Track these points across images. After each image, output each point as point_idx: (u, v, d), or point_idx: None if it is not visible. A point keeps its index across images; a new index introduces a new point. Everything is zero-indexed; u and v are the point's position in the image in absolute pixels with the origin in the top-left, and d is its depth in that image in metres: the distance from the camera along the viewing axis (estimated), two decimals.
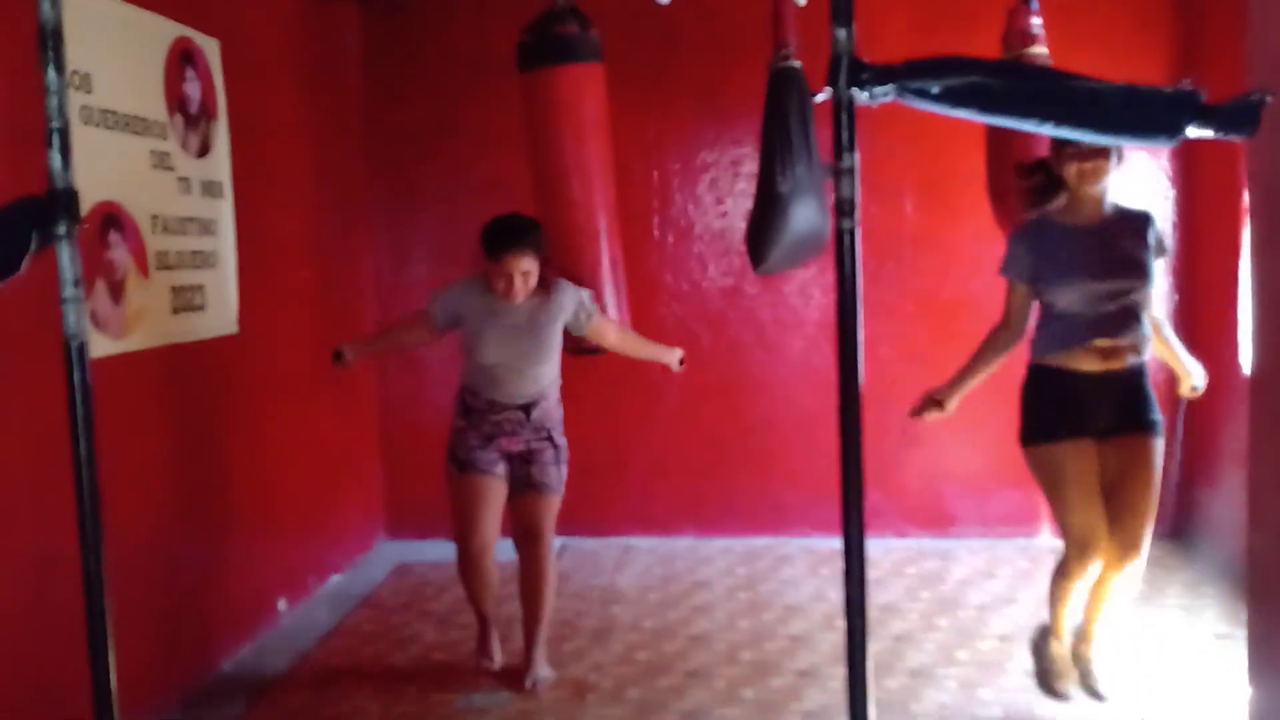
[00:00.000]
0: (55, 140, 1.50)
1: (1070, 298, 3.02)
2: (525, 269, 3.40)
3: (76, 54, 2.94)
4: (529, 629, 3.59)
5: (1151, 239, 3.07)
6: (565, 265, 3.76)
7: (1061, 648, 3.28)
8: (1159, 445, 3.07)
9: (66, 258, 1.53)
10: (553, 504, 3.57)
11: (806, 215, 4.13)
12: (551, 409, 3.58)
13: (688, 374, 5.31)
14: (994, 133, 4.12)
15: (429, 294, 3.67)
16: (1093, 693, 3.20)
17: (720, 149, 5.16)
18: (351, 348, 3.53)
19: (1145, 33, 4.92)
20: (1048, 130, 1.53)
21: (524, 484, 3.54)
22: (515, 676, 3.59)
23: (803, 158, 4.11)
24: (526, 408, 3.51)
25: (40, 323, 2.76)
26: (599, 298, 3.80)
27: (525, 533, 3.54)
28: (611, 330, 3.68)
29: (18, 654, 2.73)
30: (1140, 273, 3.03)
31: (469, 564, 3.54)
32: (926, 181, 5.02)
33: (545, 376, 3.54)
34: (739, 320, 5.20)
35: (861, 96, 1.51)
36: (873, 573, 4.58)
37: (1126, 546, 3.05)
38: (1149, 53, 4.92)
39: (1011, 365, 5.02)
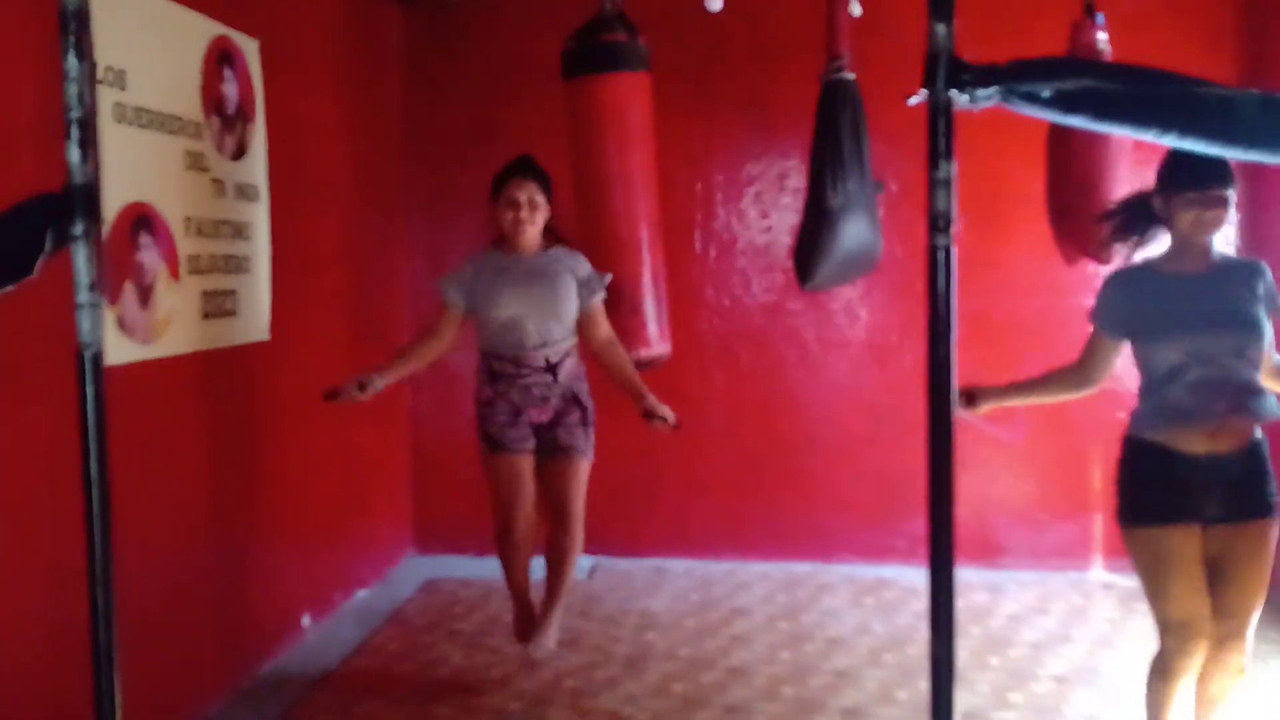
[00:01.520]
0: (74, 132, 1.38)
1: (1171, 356, 2.64)
2: (531, 195, 3.40)
3: (112, 49, 2.85)
4: (546, 599, 3.54)
5: (1262, 290, 2.68)
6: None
7: None
8: (1275, 527, 2.68)
9: (82, 260, 1.40)
10: (581, 469, 3.50)
11: (858, 231, 3.98)
12: (575, 367, 3.53)
13: (727, 392, 5.20)
14: (1055, 151, 3.96)
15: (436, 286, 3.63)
16: None
17: (766, 161, 5.01)
18: (379, 376, 3.35)
19: (1211, 49, 4.75)
20: (1170, 141, 1.36)
21: (551, 448, 3.48)
22: (549, 703, 3.47)
23: (855, 172, 3.97)
24: (553, 368, 3.43)
25: (62, 328, 2.66)
26: (639, 311, 3.70)
27: (555, 503, 3.50)
28: (605, 329, 3.53)
29: (35, 671, 2.62)
30: (1251, 328, 2.64)
31: (507, 544, 3.49)
32: (976, 201, 4.82)
33: (564, 329, 3.46)
34: (781, 338, 5.04)
35: (961, 99, 1.35)
36: (917, 604, 4.48)
37: (1229, 635, 2.66)
38: (1214, 70, 4.74)
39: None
